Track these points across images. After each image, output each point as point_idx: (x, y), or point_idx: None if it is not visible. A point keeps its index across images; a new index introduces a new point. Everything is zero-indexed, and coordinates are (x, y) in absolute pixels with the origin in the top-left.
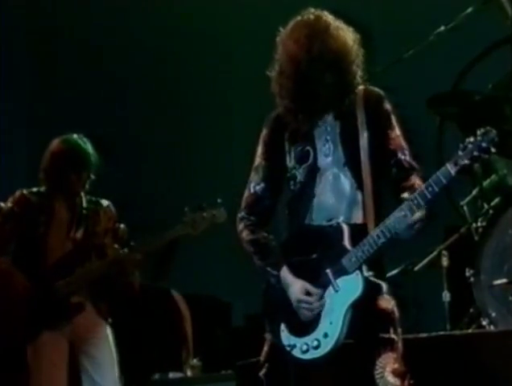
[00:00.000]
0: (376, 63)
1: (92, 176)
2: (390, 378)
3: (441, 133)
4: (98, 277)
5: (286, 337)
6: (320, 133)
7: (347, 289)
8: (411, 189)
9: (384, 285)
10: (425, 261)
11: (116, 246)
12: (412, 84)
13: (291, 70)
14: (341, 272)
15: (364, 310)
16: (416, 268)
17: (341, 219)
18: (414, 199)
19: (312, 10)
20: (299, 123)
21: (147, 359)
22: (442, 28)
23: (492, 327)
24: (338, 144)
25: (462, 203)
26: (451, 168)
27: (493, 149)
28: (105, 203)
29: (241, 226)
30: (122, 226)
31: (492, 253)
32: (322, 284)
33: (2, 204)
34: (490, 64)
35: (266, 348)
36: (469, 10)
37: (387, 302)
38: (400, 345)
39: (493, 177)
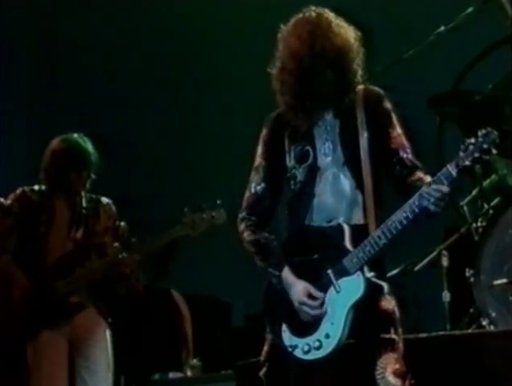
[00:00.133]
0: (376, 63)
1: (93, 175)
2: (391, 378)
3: (441, 133)
4: (98, 277)
5: (288, 337)
6: (320, 133)
7: (348, 290)
8: (420, 181)
9: (385, 286)
10: (425, 261)
11: (116, 244)
12: (412, 83)
13: (293, 66)
14: (343, 273)
15: (365, 311)
16: (416, 268)
17: (341, 219)
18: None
19: (313, 8)
20: (299, 120)
21: (147, 359)
22: (442, 28)
23: (492, 327)
24: (337, 143)
25: (462, 203)
26: (452, 169)
27: (494, 151)
28: (105, 200)
29: (242, 226)
30: (123, 224)
31: (492, 253)
32: (323, 285)
33: (3, 200)
34: (490, 64)
35: (266, 348)
36: (469, 10)
37: (388, 303)
38: (401, 345)
39: (493, 177)
